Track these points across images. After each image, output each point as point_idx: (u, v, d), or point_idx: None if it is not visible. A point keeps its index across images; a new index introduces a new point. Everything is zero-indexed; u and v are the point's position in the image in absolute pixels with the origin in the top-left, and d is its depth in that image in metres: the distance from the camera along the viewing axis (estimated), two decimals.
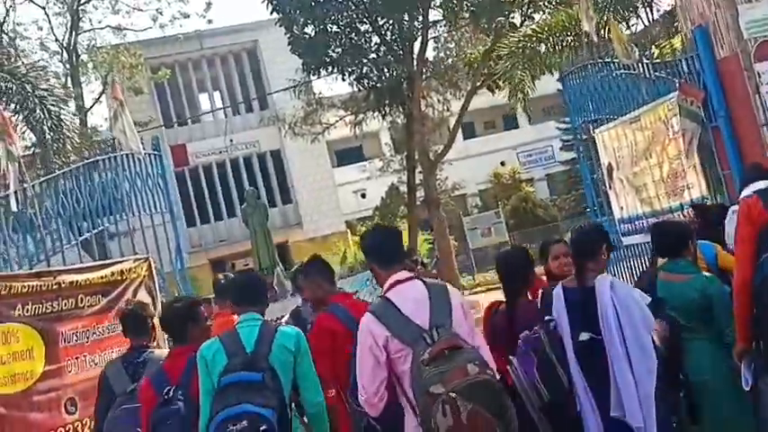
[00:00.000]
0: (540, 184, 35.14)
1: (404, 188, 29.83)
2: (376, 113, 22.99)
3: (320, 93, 22.31)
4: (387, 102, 20.05)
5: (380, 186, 32.30)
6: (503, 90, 18.84)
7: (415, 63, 19.45)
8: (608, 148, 6.19)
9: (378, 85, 19.21)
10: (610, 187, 6.22)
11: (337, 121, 23.00)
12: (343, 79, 19.24)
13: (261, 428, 2.88)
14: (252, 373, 3.05)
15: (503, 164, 34.62)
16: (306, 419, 3.37)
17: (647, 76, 5.27)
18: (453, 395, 2.45)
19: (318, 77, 19.23)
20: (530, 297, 3.95)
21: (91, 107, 26.57)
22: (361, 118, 23.08)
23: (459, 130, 22.65)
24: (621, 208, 6.12)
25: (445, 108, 22.02)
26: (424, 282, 2.90)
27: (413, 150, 22.08)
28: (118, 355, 4.26)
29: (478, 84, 18.57)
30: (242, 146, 29.74)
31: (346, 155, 36.20)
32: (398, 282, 2.86)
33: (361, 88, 19.65)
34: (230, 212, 28.19)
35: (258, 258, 15.99)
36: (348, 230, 29.66)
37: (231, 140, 29.06)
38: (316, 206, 30.54)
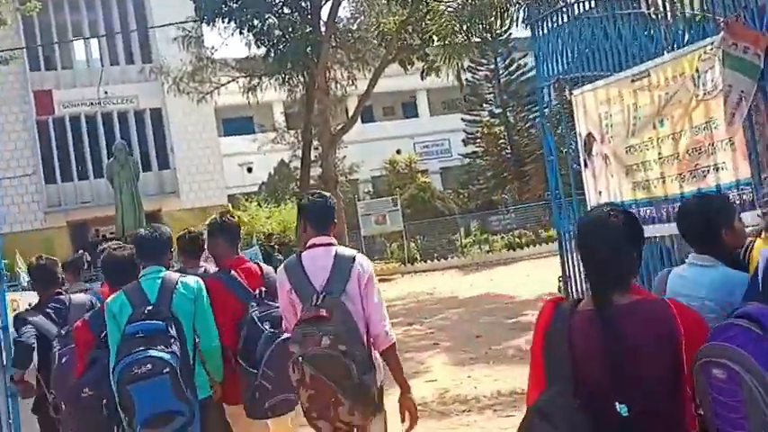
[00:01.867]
0: (434, 176, 34.40)
1: (294, 164, 28.09)
2: (273, 80, 21.10)
3: (213, 47, 19.97)
4: (288, 67, 18.13)
5: (268, 161, 30.35)
6: (414, 66, 17.55)
7: (323, 27, 17.69)
8: (590, 114, 4.82)
9: (280, 46, 17.27)
10: (585, 165, 4.87)
11: (229, 82, 20.84)
12: (241, 33, 17.24)
13: (164, 370, 3.11)
14: (155, 322, 3.25)
15: (399, 152, 33.49)
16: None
17: (667, 16, 3.99)
18: (301, 359, 2.94)
19: (213, 27, 17.01)
20: None
21: None
22: (257, 83, 21.04)
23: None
24: (600, 192, 4.78)
25: (350, 82, 20.37)
26: (337, 250, 3.20)
27: (310, 123, 20.34)
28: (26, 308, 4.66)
29: (390, 57, 17.07)
30: (118, 99, 26.66)
31: (234, 124, 33.76)
32: (314, 245, 3.21)
33: (261, 46, 17.61)
34: (97, 172, 25.09)
35: (122, 223, 13.72)
36: (230, 204, 27.46)
37: (106, 92, 25.94)
38: (197, 175, 28.00)
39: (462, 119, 28.20)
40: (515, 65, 26.71)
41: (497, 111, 27.08)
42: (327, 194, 3.44)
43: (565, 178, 5.21)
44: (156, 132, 27.43)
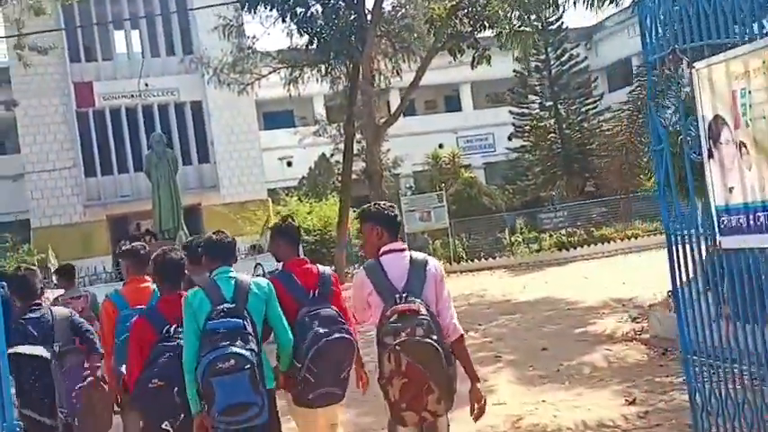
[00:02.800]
0: (478, 172, 33.35)
1: (336, 158, 27.35)
2: (315, 71, 20.38)
3: (254, 37, 19.31)
4: (331, 56, 17.36)
5: (308, 155, 29.76)
6: (465, 54, 16.60)
7: (368, 15, 16.86)
8: (719, 93, 3.88)
9: (323, 34, 16.50)
10: (710, 156, 3.94)
11: (270, 73, 20.15)
12: (283, 21, 16.49)
13: (245, 367, 3.42)
14: (235, 319, 3.53)
15: (441, 146, 32.55)
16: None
17: None
18: (398, 348, 3.17)
19: (254, 14, 16.33)
20: None
21: None
22: (298, 74, 20.33)
23: None
24: (731, 189, 3.83)
25: (394, 73, 19.51)
26: (411, 254, 3.59)
27: (353, 116, 19.55)
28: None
29: (439, 45, 16.14)
30: (158, 92, 26.29)
31: (275, 118, 33.26)
32: (392, 250, 3.57)
33: (304, 35, 16.85)
34: (137, 165, 24.74)
35: (159, 218, 13.14)
36: (269, 199, 26.90)
37: (146, 84, 25.55)
38: (236, 169, 27.49)
39: (510, 111, 27.08)
40: (567, 55, 25.50)
41: (548, 103, 25.86)
42: (392, 205, 3.76)
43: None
44: (197, 125, 27.00)
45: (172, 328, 3.75)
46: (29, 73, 24.23)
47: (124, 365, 4.14)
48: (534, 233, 22.08)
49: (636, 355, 7.57)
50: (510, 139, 33.02)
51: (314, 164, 29.74)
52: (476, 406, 3.41)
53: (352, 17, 16.28)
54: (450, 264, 21.01)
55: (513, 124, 26.93)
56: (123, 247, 4.97)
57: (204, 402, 3.48)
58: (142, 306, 4.36)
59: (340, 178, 27.49)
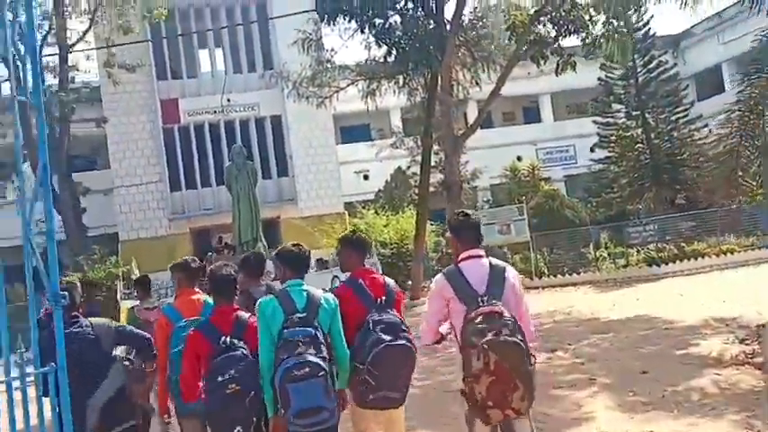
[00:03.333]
0: (558, 185, 32.41)
1: (413, 170, 27.07)
2: (392, 83, 20.25)
3: (332, 50, 19.34)
4: (409, 67, 17.14)
5: (385, 169, 29.67)
6: (547, 62, 16.05)
7: (448, 24, 16.56)
8: None
9: (402, 44, 16.30)
10: None
11: (348, 86, 20.10)
12: (362, 32, 16.36)
13: (319, 374, 3.60)
14: (308, 329, 3.72)
15: (519, 159, 31.82)
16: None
17: None
18: (486, 347, 3.34)
19: (333, 26, 16.30)
20: None
21: (75, 43, 23.64)
22: (376, 86, 20.25)
23: None
24: None
25: (473, 83, 19.12)
26: (489, 261, 3.79)
27: (431, 127, 19.27)
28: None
29: (521, 52, 15.65)
30: (240, 107, 26.80)
31: (352, 132, 33.39)
32: (471, 256, 3.78)
33: (382, 45, 16.71)
34: (219, 180, 25.12)
35: (239, 230, 13.17)
36: (346, 212, 26.90)
37: (228, 100, 26.15)
38: (314, 182, 27.66)
39: (594, 121, 26.15)
40: (655, 62, 24.44)
41: (634, 112, 24.82)
42: (472, 212, 3.98)
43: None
44: (276, 140, 27.36)
45: (228, 339, 3.87)
46: (118, 91, 25.24)
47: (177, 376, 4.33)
48: (620, 248, 21.14)
49: (750, 380, 6.88)
50: (592, 150, 31.96)
51: (390, 177, 29.62)
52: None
53: (431, 26, 16.01)
54: (532, 279, 20.32)
55: (599, 134, 25.97)
56: (188, 261, 5.21)
57: (280, 406, 3.66)
58: (196, 317, 4.58)
59: (417, 191, 27.30)
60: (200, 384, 3.90)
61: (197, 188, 26.31)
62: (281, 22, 25.34)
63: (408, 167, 25.54)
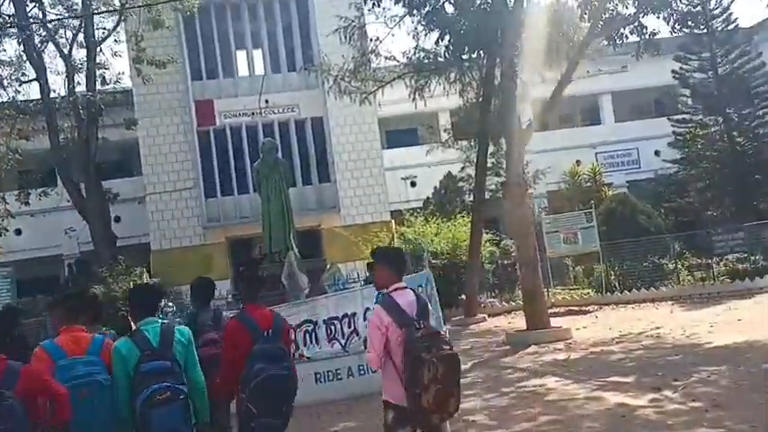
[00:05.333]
0: (620, 191, 29.94)
1: (468, 171, 24.94)
2: (443, 78, 18.35)
3: (377, 39, 17.50)
4: (464, 50, 15.16)
5: (433, 174, 27.72)
6: (623, 42, 13.85)
7: (510, 2, 14.51)
8: None
9: (456, 26, 14.34)
10: None
11: (394, 79, 18.23)
12: (410, 15, 14.46)
13: (180, 397, 3.83)
14: (163, 361, 3.91)
15: (578, 163, 29.45)
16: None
17: None
18: (435, 360, 3.85)
19: (377, 6, 14.46)
20: None
21: (103, 40, 22.39)
22: (425, 81, 18.35)
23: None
24: None
25: (537, 73, 16.99)
26: (414, 291, 4.37)
27: (486, 124, 17.26)
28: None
29: (596, 32, 13.49)
30: (279, 108, 25.17)
31: (398, 136, 31.53)
32: (398, 288, 4.28)
33: (432, 30, 14.79)
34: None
35: (270, 238, 11.33)
36: (392, 221, 24.94)
37: (267, 101, 24.55)
38: (358, 189, 25.81)
39: (669, 118, 23.65)
40: (737, 51, 21.88)
41: (713, 108, 22.25)
42: (401, 248, 5.39)
43: None
44: (317, 143, 25.63)
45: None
46: (150, 92, 23.92)
47: None
48: (698, 259, 18.70)
49: None
50: (657, 154, 29.49)
51: (439, 183, 27.64)
52: None
53: (488, 4, 14.00)
54: (602, 294, 18.02)
55: (674, 132, 23.43)
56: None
57: None
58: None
59: (468, 197, 25.22)
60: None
61: (233, 194, 24.69)
62: (321, 14, 23.79)
63: (462, 168, 23.42)
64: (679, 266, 18.19)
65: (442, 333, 4.11)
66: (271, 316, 4.47)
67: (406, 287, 4.25)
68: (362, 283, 12.15)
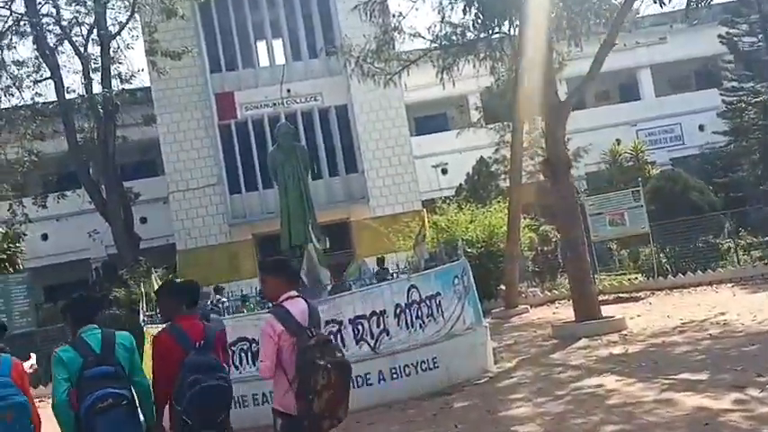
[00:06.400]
0: (663, 170, 28.39)
1: (503, 153, 23.81)
2: (471, 56, 17.22)
3: (400, 14, 16.42)
4: (495, 23, 13.98)
5: (465, 161, 26.58)
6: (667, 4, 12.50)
7: None
8: None
9: None
10: None
11: (420, 57, 17.13)
12: None
13: (123, 403, 3.94)
14: (106, 367, 3.97)
15: (618, 142, 27.96)
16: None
17: None
18: (329, 366, 3.92)
19: None
20: None
21: (117, 33, 21.68)
22: (453, 60, 17.21)
23: None
24: None
25: (574, 43, 15.75)
26: (305, 300, 4.35)
27: (518, 102, 16.07)
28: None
29: None
30: (301, 98, 24.25)
31: (426, 122, 30.43)
32: (290, 297, 4.28)
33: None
34: None
35: (289, 231, 10.35)
36: (424, 210, 23.85)
37: (288, 90, 23.64)
38: (386, 178, 24.78)
39: (718, 87, 22.07)
40: None
41: (765, 74, 20.68)
42: (287, 258, 5.50)
43: None
44: (343, 132, 24.65)
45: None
46: (169, 86, 23.21)
47: None
48: (753, 237, 17.26)
49: None
50: (702, 128, 27.89)
51: (471, 169, 26.46)
52: None
53: None
54: (654, 278, 16.70)
55: (724, 101, 21.86)
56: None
57: None
58: None
59: (502, 182, 23.99)
60: None
61: (258, 189, 23.84)
62: (345, 9, 22.77)
63: (496, 149, 22.18)
64: (737, 246, 16.79)
65: (334, 341, 4.20)
66: (201, 327, 4.41)
67: (298, 296, 4.29)
68: (370, 280, 11.11)
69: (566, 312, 14.41)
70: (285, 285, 4.29)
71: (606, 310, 12.65)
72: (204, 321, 4.53)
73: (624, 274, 18.76)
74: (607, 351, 9.77)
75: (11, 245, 18.94)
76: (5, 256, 19.23)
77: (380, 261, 14.67)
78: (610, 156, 27.00)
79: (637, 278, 17.72)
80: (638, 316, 12.72)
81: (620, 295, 16.34)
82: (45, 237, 25.58)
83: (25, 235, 20.10)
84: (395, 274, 11.80)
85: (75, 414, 3.88)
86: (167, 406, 4.25)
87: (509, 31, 15.73)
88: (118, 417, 3.85)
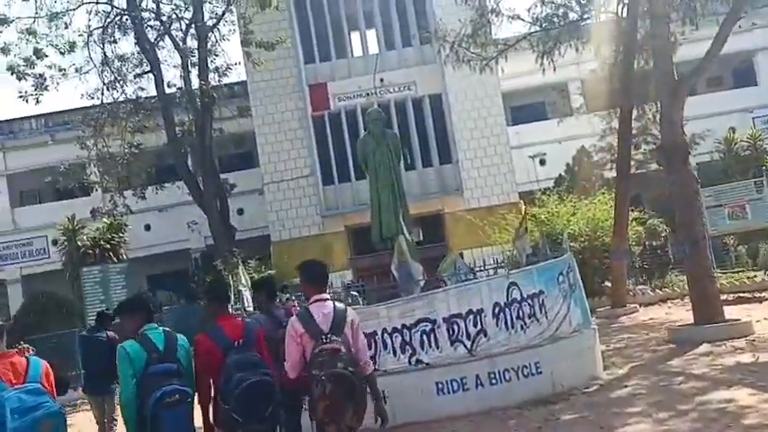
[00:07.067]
0: None
1: (610, 140, 22.43)
2: (574, 38, 16.19)
3: None
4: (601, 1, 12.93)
5: (564, 150, 25.38)
6: None
7: None
8: None
9: None
10: None
11: (519, 41, 16.22)
12: None
13: (187, 400, 4.09)
14: (169, 364, 4.14)
15: (733, 130, 25.90)
16: None
17: None
18: (324, 378, 3.98)
19: None
20: None
21: (215, 25, 21.92)
22: (554, 44, 16.18)
23: None
24: None
25: (689, 22, 14.37)
26: (334, 303, 4.43)
27: (629, 83, 14.90)
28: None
29: None
30: (395, 87, 23.80)
31: (524, 111, 29.24)
32: (318, 300, 4.41)
33: None
34: None
35: (380, 222, 9.85)
36: (521, 202, 22.85)
37: (381, 80, 23.24)
38: (482, 169, 23.97)
39: None
40: None
41: None
42: (323, 262, 4.70)
43: None
44: (437, 122, 24.01)
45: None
46: (264, 78, 23.33)
47: None
48: None
49: None
50: None
51: (572, 159, 25.20)
52: (378, 418, 4.31)
53: None
54: None
55: None
56: None
57: None
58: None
59: (607, 172, 22.63)
60: None
61: (350, 181, 23.56)
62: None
63: (602, 137, 20.89)
64: None
65: (344, 351, 4.11)
66: (242, 326, 4.62)
67: (326, 299, 4.40)
68: (466, 275, 10.29)
69: (679, 313, 13.24)
70: (313, 287, 4.44)
71: (728, 312, 11.43)
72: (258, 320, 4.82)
73: (742, 271, 17.24)
74: (734, 359, 8.69)
75: (114, 235, 19.49)
76: (109, 246, 19.86)
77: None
78: (724, 144, 25.10)
79: (756, 276, 16.20)
80: (766, 319, 11.44)
81: (741, 295, 14.90)
82: (148, 227, 26.40)
83: (128, 226, 20.66)
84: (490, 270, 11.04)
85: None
86: (211, 405, 4.42)
87: (616, 9, 14.59)
88: (183, 413, 3.99)
